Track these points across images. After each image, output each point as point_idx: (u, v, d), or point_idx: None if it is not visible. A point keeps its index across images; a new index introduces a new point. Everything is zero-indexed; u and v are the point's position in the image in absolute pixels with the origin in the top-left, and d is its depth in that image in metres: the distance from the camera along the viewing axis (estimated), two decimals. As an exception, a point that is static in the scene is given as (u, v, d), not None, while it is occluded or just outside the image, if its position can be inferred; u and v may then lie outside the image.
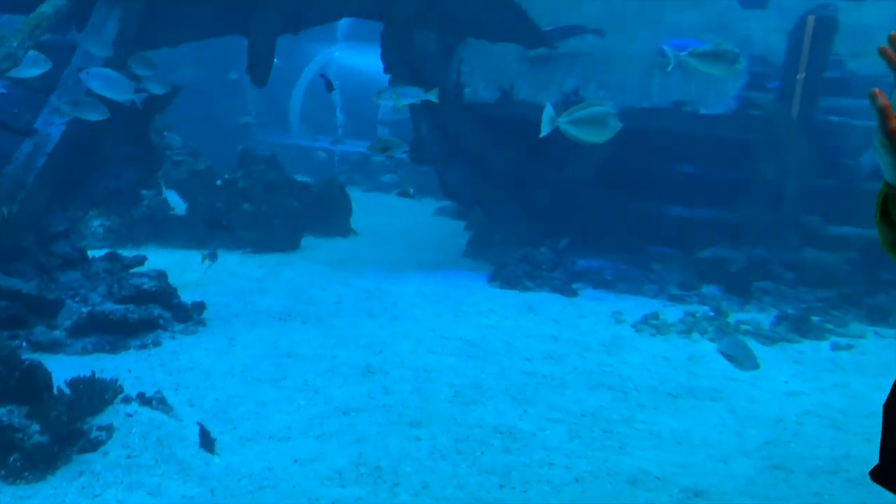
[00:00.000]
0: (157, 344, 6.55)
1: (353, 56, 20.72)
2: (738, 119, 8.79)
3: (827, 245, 8.69)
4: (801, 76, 8.93)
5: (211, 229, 9.93)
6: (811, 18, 8.65)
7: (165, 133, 12.02)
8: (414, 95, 7.69)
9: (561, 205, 10.14)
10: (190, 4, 8.10)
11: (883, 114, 1.47)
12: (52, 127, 6.88)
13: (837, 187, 8.69)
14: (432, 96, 7.28)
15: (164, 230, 10.64)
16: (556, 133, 9.32)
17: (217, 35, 8.73)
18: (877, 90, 1.49)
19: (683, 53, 6.07)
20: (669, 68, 6.46)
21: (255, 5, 8.08)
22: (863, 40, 9.06)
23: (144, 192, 10.70)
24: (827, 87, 8.74)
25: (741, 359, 4.26)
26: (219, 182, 11.43)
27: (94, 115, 6.50)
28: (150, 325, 6.74)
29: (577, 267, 9.27)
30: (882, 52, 1.50)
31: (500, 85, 9.95)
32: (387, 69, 9.47)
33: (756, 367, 4.67)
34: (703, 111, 8.80)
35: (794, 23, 8.89)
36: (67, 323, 6.53)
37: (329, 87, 8.33)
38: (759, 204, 8.96)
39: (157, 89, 7.18)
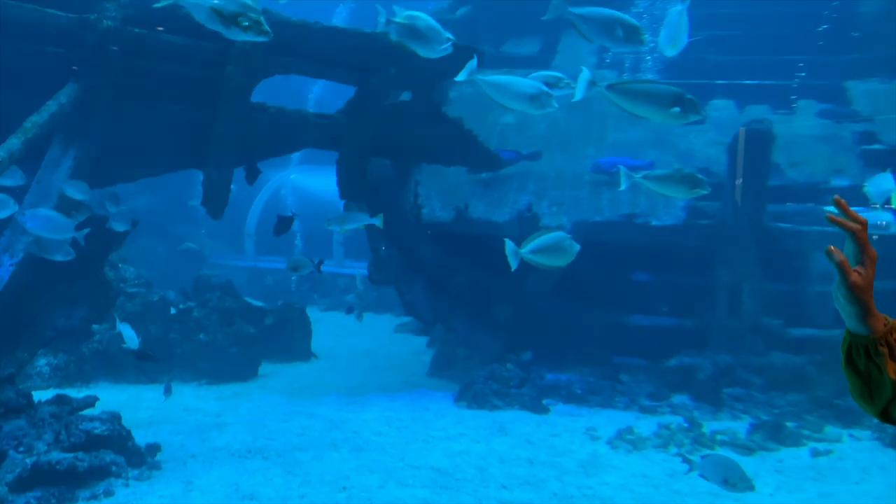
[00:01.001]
0: (108, 494, 6.11)
1: (309, 178, 21.07)
2: (688, 229, 9.07)
3: (789, 348, 8.80)
4: (738, 181, 9.33)
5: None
6: (749, 131, 9.17)
7: (120, 265, 11.79)
8: (361, 220, 7.85)
9: (523, 318, 10.13)
10: (145, 141, 8.15)
11: (842, 269, 1.56)
12: (0, 269, 6.65)
13: (791, 291, 8.93)
14: (377, 221, 7.45)
15: (117, 365, 10.22)
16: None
17: (173, 170, 8.78)
18: (832, 247, 1.57)
19: (638, 176, 6.29)
20: (623, 187, 6.69)
21: (211, 140, 8.17)
22: (798, 150, 9.62)
23: (96, 326, 10.34)
24: (771, 195, 9.15)
25: (735, 480, 4.13)
26: (173, 311, 11.16)
27: (60, 256, 6.35)
28: (101, 473, 6.31)
29: (546, 381, 9.15)
30: (830, 220, 1.60)
31: (456, 205, 10.14)
32: (342, 195, 9.58)
33: (751, 488, 4.52)
34: (654, 223, 9.07)
35: (732, 136, 9.39)
36: (10, 477, 6.05)
37: (281, 229, 8.40)
38: (718, 310, 9.11)
39: (119, 226, 7.11)
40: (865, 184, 7.74)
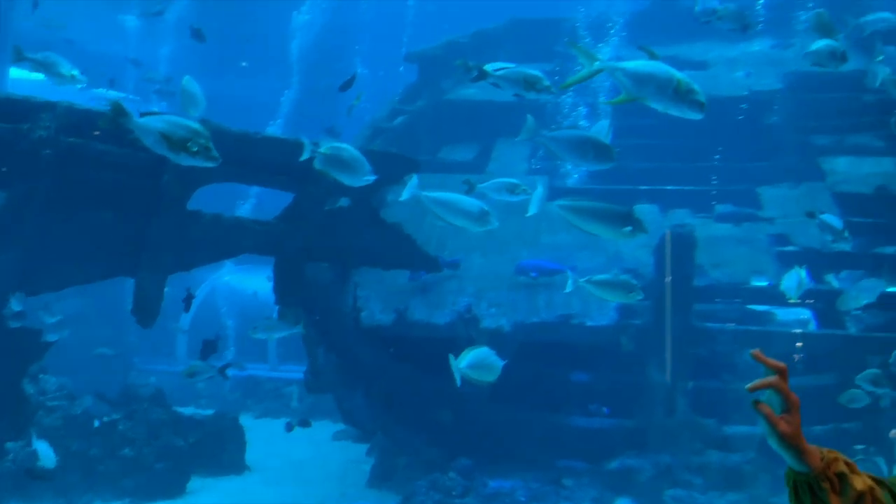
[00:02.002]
0: None
1: (244, 279, 20.76)
2: (621, 328, 9.30)
3: (725, 446, 8.92)
4: (668, 279, 9.68)
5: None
6: (673, 234, 9.61)
7: (41, 376, 11.18)
8: (286, 330, 7.96)
9: (464, 422, 10.00)
10: (77, 248, 7.98)
11: (770, 422, 1.66)
12: None
13: (721, 388, 9.15)
14: (299, 329, 7.58)
15: (29, 487, 9.50)
16: (459, 350, 9.48)
17: (104, 278, 8.57)
18: (758, 402, 1.67)
19: (582, 280, 6.91)
20: (568, 290, 7.13)
21: (144, 247, 8.05)
22: (719, 252, 10.12)
23: (10, 444, 9.66)
24: (697, 295, 9.51)
25: None
26: (96, 423, 10.57)
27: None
28: None
29: (489, 489, 8.95)
30: (751, 388, 1.70)
31: (396, 307, 10.13)
32: (278, 301, 9.48)
33: None
34: (588, 323, 9.26)
35: (658, 239, 9.82)
36: None
37: (207, 352, 8.39)
38: (654, 409, 9.23)
39: (51, 336, 6.89)
40: (781, 281, 8.18)
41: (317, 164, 5.53)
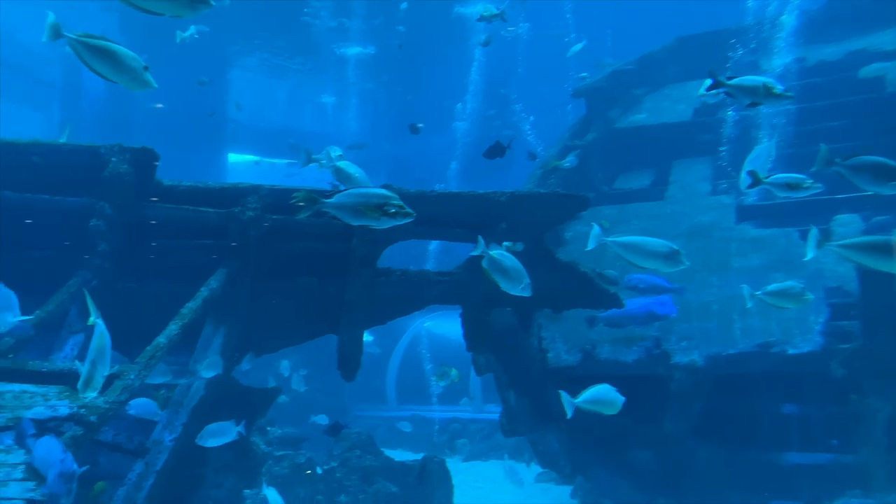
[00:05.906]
0: None
1: (443, 324, 21.74)
2: (828, 354, 8.50)
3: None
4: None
5: None
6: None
7: (268, 428, 12.49)
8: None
9: (666, 463, 9.62)
10: (284, 313, 8.94)
11: None
12: (161, 445, 7.34)
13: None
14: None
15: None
16: (651, 387, 9.25)
17: (310, 338, 9.46)
18: None
19: (758, 293, 6.87)
20: (749, 305, 7.17)
21: (342, 307, 8.82)
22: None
23: (246, 491, 10.87)
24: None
25: None
26: (319, 471, 11.54)
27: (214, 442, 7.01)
28: None
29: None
30: None
31: (582, 346, 10.09)
32: (469, 347, 9.85)
33: None
34: (791, 351, 8.58)
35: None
36: None
37: None
38: (877, 442, 8.26)
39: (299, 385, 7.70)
40: None
41: (484, 264, 6.02)
